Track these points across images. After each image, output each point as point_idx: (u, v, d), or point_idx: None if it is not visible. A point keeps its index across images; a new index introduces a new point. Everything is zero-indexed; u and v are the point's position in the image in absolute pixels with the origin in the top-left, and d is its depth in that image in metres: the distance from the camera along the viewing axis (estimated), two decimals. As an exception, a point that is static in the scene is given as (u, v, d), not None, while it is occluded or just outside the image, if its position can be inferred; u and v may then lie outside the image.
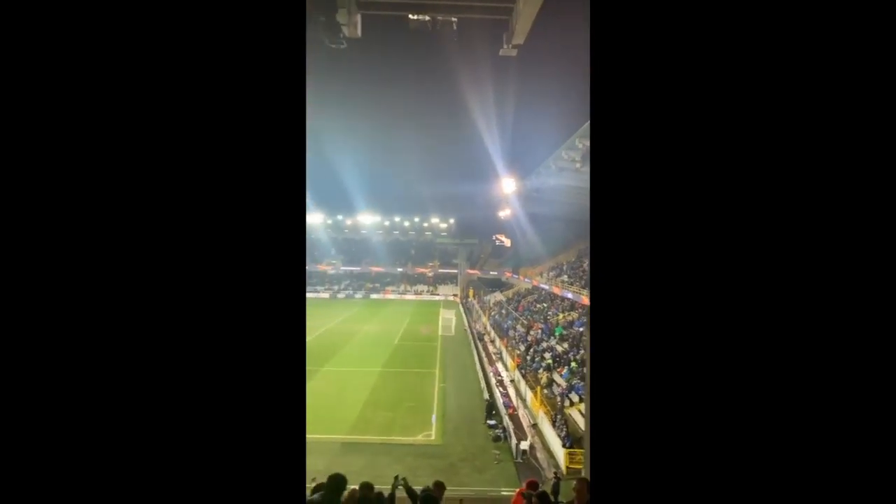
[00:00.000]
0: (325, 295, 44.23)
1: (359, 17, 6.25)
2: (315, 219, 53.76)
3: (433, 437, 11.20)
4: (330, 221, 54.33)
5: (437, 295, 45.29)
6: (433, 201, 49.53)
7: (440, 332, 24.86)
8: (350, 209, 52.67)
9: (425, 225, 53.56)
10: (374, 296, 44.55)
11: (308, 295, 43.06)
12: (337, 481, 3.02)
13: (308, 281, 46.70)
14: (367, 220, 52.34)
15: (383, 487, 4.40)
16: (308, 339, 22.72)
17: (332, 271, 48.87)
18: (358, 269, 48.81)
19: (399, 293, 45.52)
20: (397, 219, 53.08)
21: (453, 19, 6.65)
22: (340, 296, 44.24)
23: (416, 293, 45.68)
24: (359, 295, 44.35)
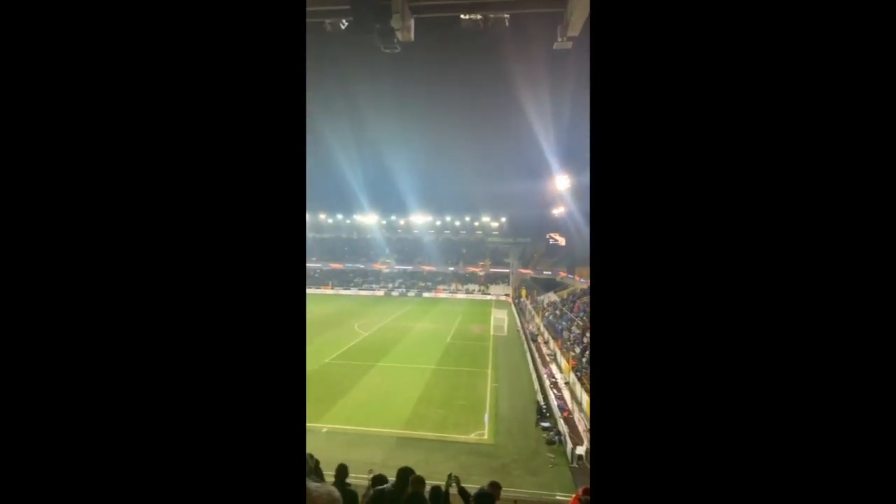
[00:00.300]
0: (380, 293, 45.66)
1: (412, 22, 6.39)
2: (370, 220, 55.64)
3: (486, 437, 11.18)
4: (384, 222, 55.98)
5: (489, 294, 45.07)
6: (484, 200, 49.39)
7: (492, 332, 24.75)
8: (403, 210, 53.92)
9: (476, 224, 53.54)
10: (426, 294, 45.26)
11: (363, 292, 44.57)
12: (406, 474, 3.14)
13: (364, 279, 48.55)
14: (420, 220, 53.30)
15: (438, 482, 4.48)
16: (365, 334, 23.59)
17: (387, 270, 50.33)
18: (410, 267, 49.86)
19: (450, 292, 45.87)
20: (448, 218, 53.55)
21: (505, 16, 6.58)
22: (394, 294, 45.44)
23: (468, 292, 45.77)
24: (411, 293, 45.28)
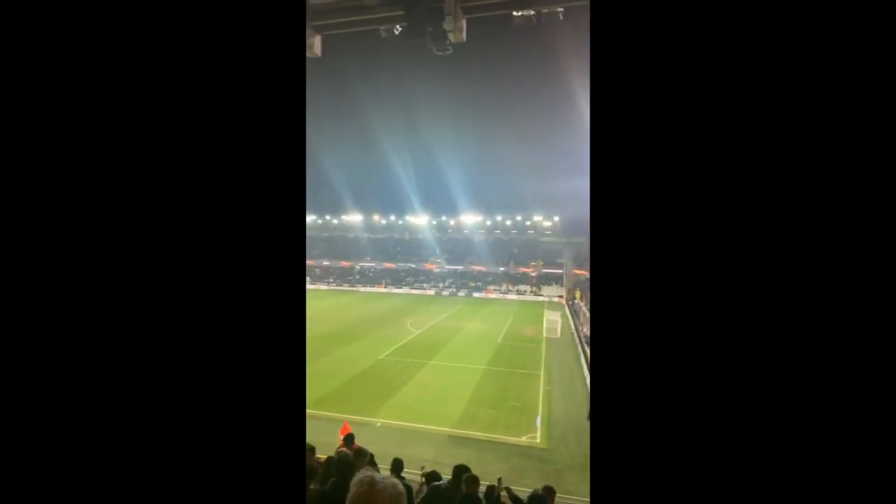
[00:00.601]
0: (431, 292, 46.29)
1: (464, 22, 6.41)
2: (421, 220, 56.61)
3: (538, 440, 10.97)
4: (435, 222, 56.70)
5: (541, 296, 44.10)
6: (537, 199, 48.41)
7: (544, 334, 24.20)
8: (454, 210, 54.29)
9: (528, 223, 52.63)
10: (476, 294, 45.22)
11: (414, 291, 45.38)
12: (462, 473, 3.18)
13: (416, 278, 49.50)
14: (470, 219, 53.37)
15: (492, 483, 4.46)
16: (416, 332, 24.04)
17: (437, 270, 50.93)
18: (461, 267, 50.08)
19: (501, 293, 45.47)
20: (499, 217, 53.11)
21: (559, 9, 6.41)
22: (444, 293, 45.87)
23: (519, 293, 45.11)
24: (462, 293, 45.45)
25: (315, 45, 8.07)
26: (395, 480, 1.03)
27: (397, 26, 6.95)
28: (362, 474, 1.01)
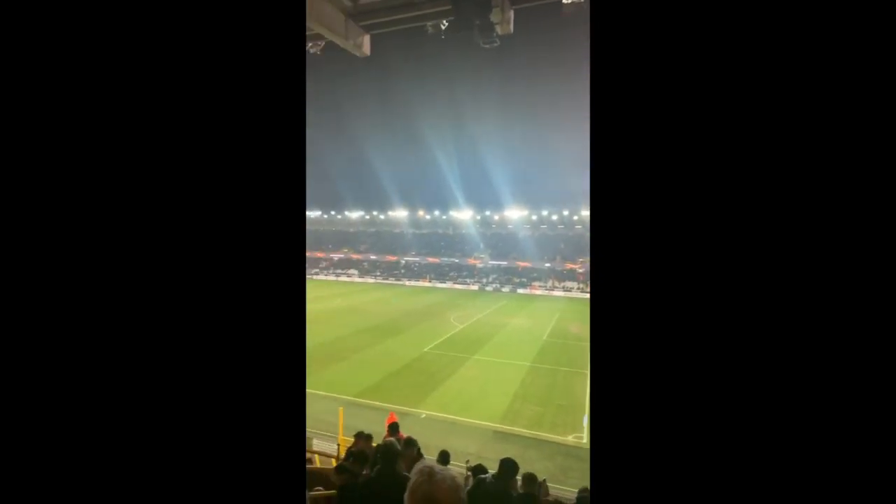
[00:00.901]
0: (475, 287, 46.26)
1: (511, 13, 6.30)
2: (465, 215, 56.58)
3: (584, 440, 10.69)
4: (479, 217, 56.47)
5: (588, 293, 42.70)
6: (586, 193, 46.81)
7: (592, 332, 23.45)
8: (498, 204, 53.75)
9: (575, 218, 51.04)
10: (520, 290, 44.62)
11: (458, 286, 45.47)
12: (508, 466, 3.18)
13: (459, 273, 49.68)
14: (515, 214, 52.63)
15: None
16: (460, 327, 24.15)
17: (481, 265, 50.78)
18: (505, 263, 49.59)
19: (547, 289, 44.52)
20: (545, 212, 51.94)
21: (613, -6, 6.12)
22: (488, 289, 45.67)
23: (566, 290, 43.95)
24: (506, 289, 45.03)
25: (364, 44, 8.27)
26: (454, 473, 1.04)
27: (444, 21, 6.96)
28: (422, 464, 1.03)
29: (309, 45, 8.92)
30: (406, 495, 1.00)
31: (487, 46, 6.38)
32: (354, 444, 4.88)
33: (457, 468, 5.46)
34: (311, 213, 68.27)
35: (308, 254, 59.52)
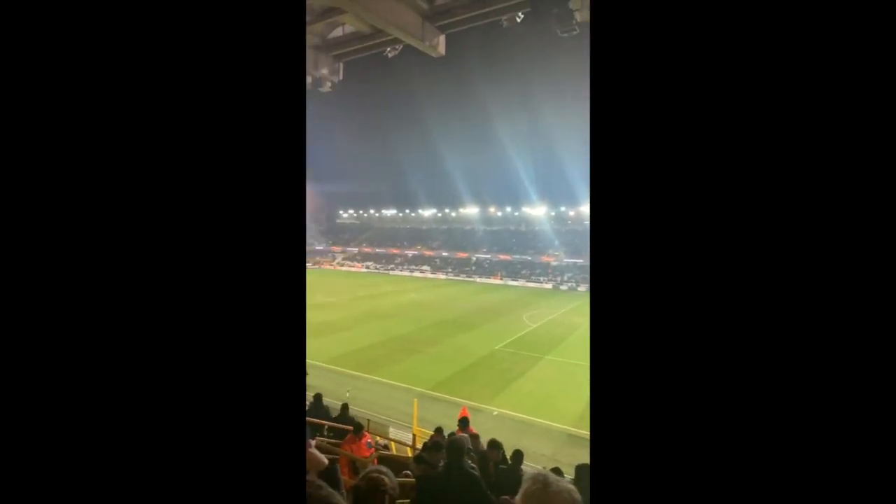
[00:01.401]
0: (548, 286, 44.97)
1: (592, -3, 5.99)
2: (538, 211, 55.21)
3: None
4: (553, 213, 54.79)
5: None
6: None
7: (679, 337, 21.63)
8: (574, 200, 51.67)
9: (660, 213, 47.19)
10: (598, 289, 42.34)
11: (531, 284, 44.64)
12: (587, 473, 3.07)
13: (532, 271, 48.64)
14: (592, 210, 50.09)
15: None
16: (533, 326, 23.67)
17: (555, 263, 49.24)
18: (580, 261, 47.53)
19: (627, 288, 41.74)
20: (625, 208, 48.72)
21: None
22: (563, 287, 44.10)
23: (648, 290, 40.85)
24: (582, 288, 43.08)
25: (439, 44, 8.41)
26: (571, 487, 1.02)
27: (519, 13, 6.82)
28: (536, 472, 1.02)
29: (386, 48, 9.29)
30: (518, 498, 1.00)
31: (566, 35, 6.13)
32: (432, 437, 5.03)
33: (530, 468, 5.36)
34: (387, 212, 71.26)
35: (383, 250, 62.38)
